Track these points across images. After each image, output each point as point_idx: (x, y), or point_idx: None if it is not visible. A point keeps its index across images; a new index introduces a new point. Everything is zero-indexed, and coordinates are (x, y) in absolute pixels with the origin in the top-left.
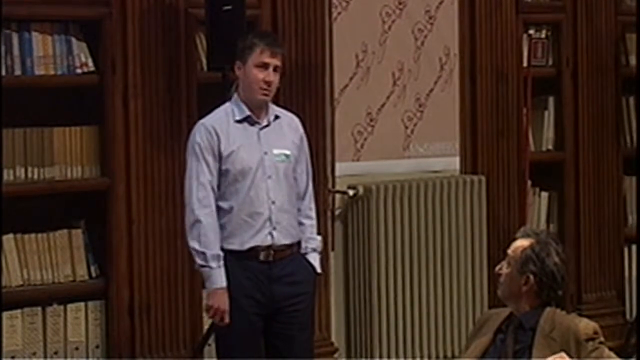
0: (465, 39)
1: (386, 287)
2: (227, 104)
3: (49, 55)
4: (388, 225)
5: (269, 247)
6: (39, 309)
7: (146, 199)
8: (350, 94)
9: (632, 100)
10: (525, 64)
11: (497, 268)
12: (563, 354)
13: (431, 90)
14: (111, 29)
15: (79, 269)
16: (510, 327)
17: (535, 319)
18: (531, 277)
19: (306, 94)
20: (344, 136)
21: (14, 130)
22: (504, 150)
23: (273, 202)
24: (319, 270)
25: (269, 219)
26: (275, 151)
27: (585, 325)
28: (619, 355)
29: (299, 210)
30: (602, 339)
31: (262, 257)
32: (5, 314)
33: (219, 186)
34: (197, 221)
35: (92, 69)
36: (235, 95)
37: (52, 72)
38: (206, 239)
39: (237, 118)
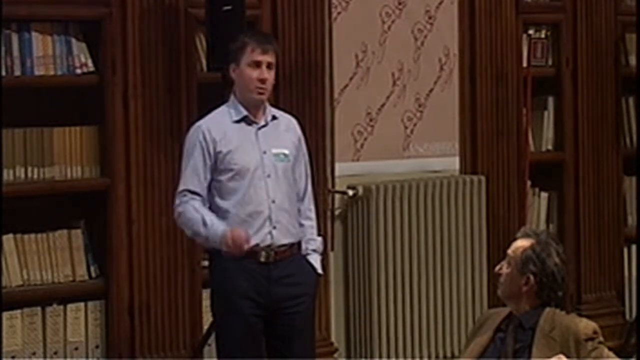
0: (465, 39)
1: (386, 287)
2: (224, 106)
3: (48, 55)
4: (388, 225)
5: (268, 246)
6: (39, 309)
7: (146, 199)
8: (350, 94)
9: (632, 100)
10: (525, 64)
11: (497, 268)
12: (561, 356)
13: (431, 90)
14: (111, 29)
15: (79, 269)
16: (510, 327)
17: (535, 318)
18: (531, 277)
19: (306, 94)
20: (343, 136)
21: (14, 130)
22: (503, 151)
23: (273, 201)
24: (319, 271)
25: (269, 217)
26: (274, 150)
27: (585, 325)
28: (618, 355)
29: (298, 211)
30: (601, 338)
31: (262, 258)
32: (5, 314)
33: (217, 186)
34: (179, 215)
35: (92, 69)
36: (231, 97)
37: (51, 73)
38: (191, 222)
39: (235, 119)
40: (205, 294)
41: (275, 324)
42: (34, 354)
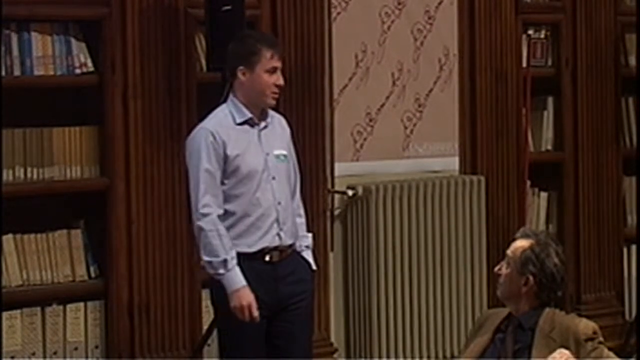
0: (464, 39)
1: (385, 288)
2: (224, 107)
3: (48, 55)
4: (387, 225)
5: (276, 247)
6: (39, 309)
7: (145, 199)
8: (349, 94)
9: (631, 100)
10: (524, 64)
11: (496, 268)
12: (563, 350)
13: (430, 91)
14: (111, 29)
15: (79, 269)
16: (509, 327)
17: (534, 319)
18: (531, 278)
19: (305, 94)
20: (343, 136)
21: (14, 131)
22: (503, 151)
23: (279, 203)
24: (314, 267)
25: (277, 219)
26: (275, 152)
27: (585, 326)
28: (618, 356)
29: None
30: (601, 338)
31: (268, 257)
32: (4, 314)
33: (223, 189)
34: (200, 229)
35: (91, 69)
36: (231, 98)
37: (51, 73)
38: (210, 247)
39: (238, 121)
40: (205, 294)
41: (277, 322)
42: (33, 354)
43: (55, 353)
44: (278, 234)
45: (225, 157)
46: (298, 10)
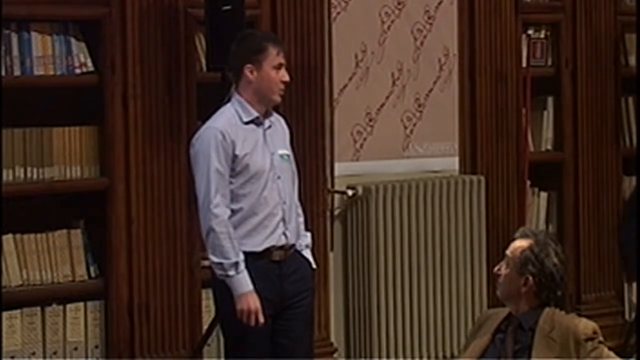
0: (464, 39)
1: (385, 287)
2: (229, 106)
3: (48, 55)
4: (387, 225)
5: (282, 246)
6: (38, 309)
7: (145, 199)
8: (349, 94)
9: (631, 100)
10: (524, 64)
11: (495, 268)
12: None
13: (430, 91)
14: (110, 29)
15: (78, 269)
16: (509, 328)
17: (534, 319)
18: (530, 278)
19: (305, 94)
20: (343, 136)
21: (14, 130)
22: (503, 151)
23: (284, 202)
24: (314, 265)
25: (283, 219)
26: (280, 152)
27: (585, 325)
28: (618, 355)
29: None
30: (601, 338)
31: (274, 256)
32: (4, 314)
33: (231, 189)
34: (211, 230)
35: (91, 69)
36: (236, 97)
37: (51, 73)
38: (222, 249)
39: (245, 120)
40: (205, 294)
41: (280, 321)
42: (33, 354)
43: (55, 353)
44: (284, 233)
45: (234, 157)
46: (298, 10)
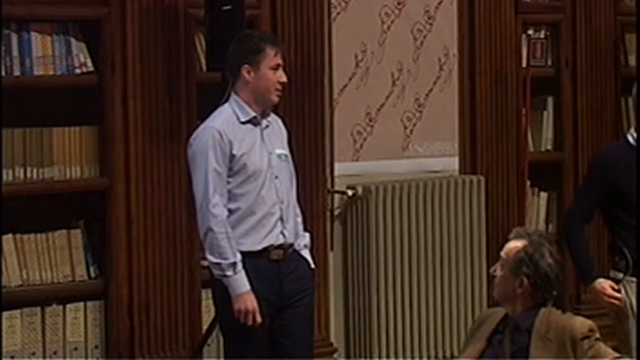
0: (464, 39)
1: (385, 287)
2: (227, 106)
3: (48, 55)
4: (387, 225)
5: (280, 246)
6: (38, 309)
7: (145, 199)
8: (349, 94)
9: (631, 100)
10: (524, 64)
11: (491, 270)
12: None
13: (430, 91)
14: (110, 29)
15: (78, 269)
16: (506, 329)
17: (530, 320)
18: (525, 280)
19: (305, 94)
20: (343, 136)
21: (14, 130)
22: (503, 151)
23: (282, 202)
24: (312, 265)
25: (280, 218)
26: (277, 151)
27: (580, 324)
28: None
29: None
30: (597, 335)
31: (273, 256)
32: (4, 314)
33: (228, 188)
34: (210, 230)
35: (91, 69)
36: (234, 97)
37: (51, 73)
38: (220, 249)
39: (243, 120)
40: (205, 294)
41: (279, 320)
42: (33, 354)
43: (55, 353)
44: (282, 232)
45: (232, 156)
46: (298, 10)
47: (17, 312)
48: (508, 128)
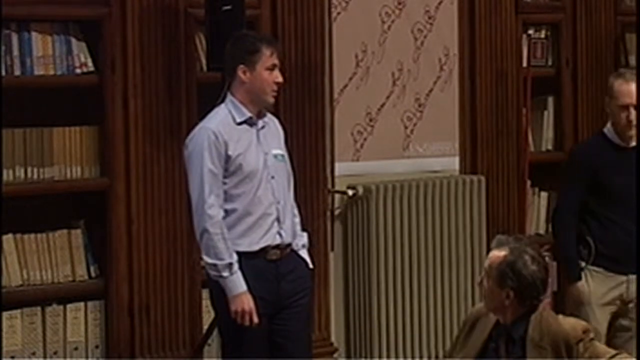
0: (464, 39)
1: (386, 288)
2: (223, 107)
3: (48, 55)
4: (387, 225)
5: (277, 246)
6: (39, 309)
7: (146, 199)
8: (349, 94)
9: None
10: (524, 64)
11: (478, 281)
12: None
13: (431, 90)
14: (111, 29)
15: (79, 269)
16: (500, 338)
17: (523, 328)
18: (511, 292)
19: (306, 94)
20: (343, 136)
21: (14, 130)
22: (503, 151)
23: (278, 202)
24: (311, 265)
25: (277, 218)
26: (273, 152)
27: (573, 328)
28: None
29: None
30: (592, 335)
31: (270, 256)
32: (4, 314)
33: (224, 189)
34: (205, 231)
35: (91, 69)
36: (230, 98)
37: (51, 72)
38: (216, 250)
39: (238, 120)
40: (205, 293)
41: (277, 320)
42: (33, 354)
43: (55, 353)
44: (279, 232)
45: (227, 157)
46: (298, 10)
47: (17, 312)
48: (508, 128)
